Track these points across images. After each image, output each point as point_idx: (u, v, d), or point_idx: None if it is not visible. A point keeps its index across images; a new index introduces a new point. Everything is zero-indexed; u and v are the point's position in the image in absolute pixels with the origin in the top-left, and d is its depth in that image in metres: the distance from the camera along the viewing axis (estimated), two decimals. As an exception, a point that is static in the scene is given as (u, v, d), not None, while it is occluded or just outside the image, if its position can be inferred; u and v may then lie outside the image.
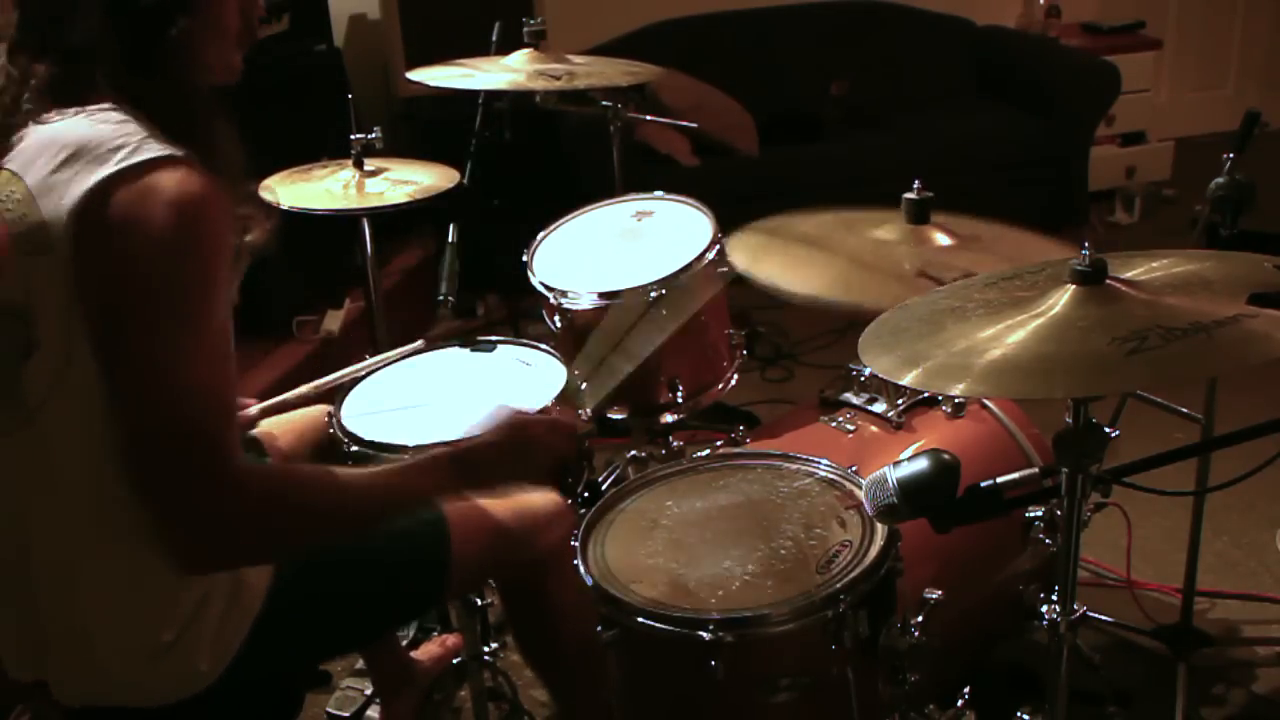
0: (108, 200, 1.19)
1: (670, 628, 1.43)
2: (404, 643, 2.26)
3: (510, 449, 1.46)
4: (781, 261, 1.79)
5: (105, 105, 1.27)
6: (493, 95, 2.72)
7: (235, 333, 1.29)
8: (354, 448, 1.80)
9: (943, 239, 1.79)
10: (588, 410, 1.79)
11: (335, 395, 1.93)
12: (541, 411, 1.65)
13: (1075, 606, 1.35)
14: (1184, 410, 2.20)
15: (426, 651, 2.22)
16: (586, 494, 1.96)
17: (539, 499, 1.70)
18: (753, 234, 1.90)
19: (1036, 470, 1.34)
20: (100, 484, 1.27)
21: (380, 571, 1.54)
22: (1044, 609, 1.36)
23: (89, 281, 1.21)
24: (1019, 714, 1.50)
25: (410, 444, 1.75)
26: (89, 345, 1.22)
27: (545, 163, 3.80)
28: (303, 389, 1.87)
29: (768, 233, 1.89)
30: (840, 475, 1.67)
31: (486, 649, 2.00)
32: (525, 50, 2.56)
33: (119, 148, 1.22)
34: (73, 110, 1.27)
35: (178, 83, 1.30)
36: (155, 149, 1.22)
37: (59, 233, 1.21)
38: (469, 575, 1.65)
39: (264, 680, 1.46)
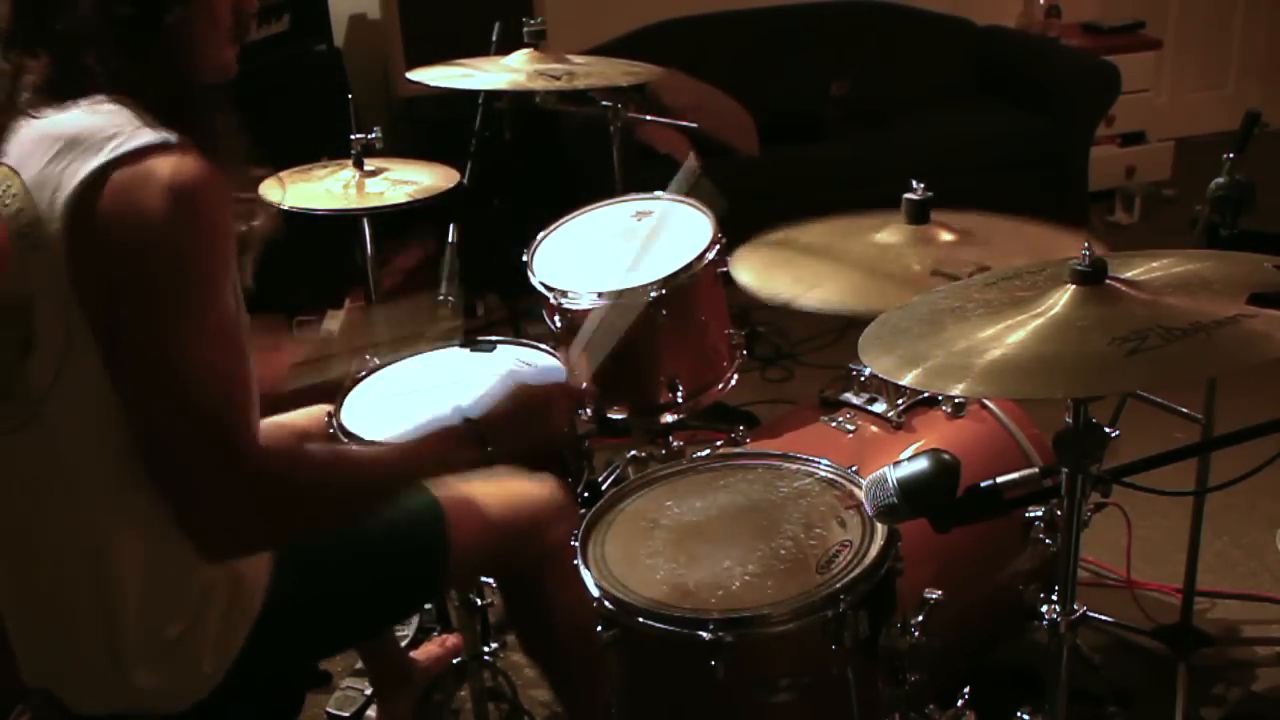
0: (101, 190, 1.19)
1: (670, 628, 1.43)
2: (404, 643, 2.26)
3: (522, 416, 1.48)
4: (791, 275, 1.78)
5: (101, 98, 1.26)
6: (493, 95, 2.72)
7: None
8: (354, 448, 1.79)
9: (945, 236, 1.79)
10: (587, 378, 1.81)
11: (336, 395, 1.93)
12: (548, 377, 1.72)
13: (1075, 606, 1.35)
14: (1184, 410, 2.20)
15: (426, 651, 2.22)
16: (586, 494, 1.96)
17: (542, 491, 1.70)
18: (756, 249, 1.88)
19: (1036, 470, 1.34)
20: (109, 475, 1.26)
21: (379, 563, 1.54)
22: (1044, 609, 1.36)
23: (87, 273, 1.20)
24: (1019, 714, 1.50)
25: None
26: (92, 338, 1.21)
27: (545, 163, 3.80)
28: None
29: (772, 246, 1.88)
30: (840, 475, 1.67)
31: (486, 649, 2.00)
32: (525, 50, 2.56)
33: (113, 136, 1.21)
34: (70, 105, 1.26)
35: (172, 72, 1.29)
36: (149, 135, 1.21)
37: (55, 226, 1.20)
38: (468, 565, 1.64)
39: (266, 679, 1.46)
